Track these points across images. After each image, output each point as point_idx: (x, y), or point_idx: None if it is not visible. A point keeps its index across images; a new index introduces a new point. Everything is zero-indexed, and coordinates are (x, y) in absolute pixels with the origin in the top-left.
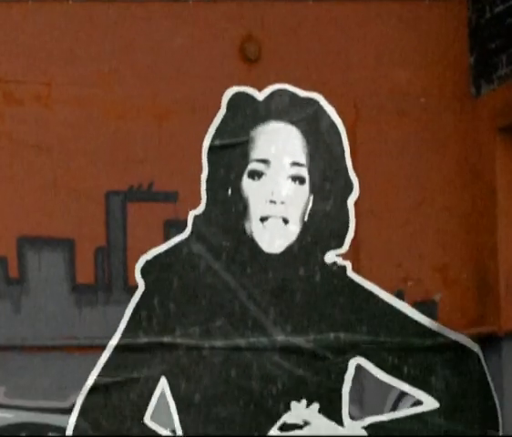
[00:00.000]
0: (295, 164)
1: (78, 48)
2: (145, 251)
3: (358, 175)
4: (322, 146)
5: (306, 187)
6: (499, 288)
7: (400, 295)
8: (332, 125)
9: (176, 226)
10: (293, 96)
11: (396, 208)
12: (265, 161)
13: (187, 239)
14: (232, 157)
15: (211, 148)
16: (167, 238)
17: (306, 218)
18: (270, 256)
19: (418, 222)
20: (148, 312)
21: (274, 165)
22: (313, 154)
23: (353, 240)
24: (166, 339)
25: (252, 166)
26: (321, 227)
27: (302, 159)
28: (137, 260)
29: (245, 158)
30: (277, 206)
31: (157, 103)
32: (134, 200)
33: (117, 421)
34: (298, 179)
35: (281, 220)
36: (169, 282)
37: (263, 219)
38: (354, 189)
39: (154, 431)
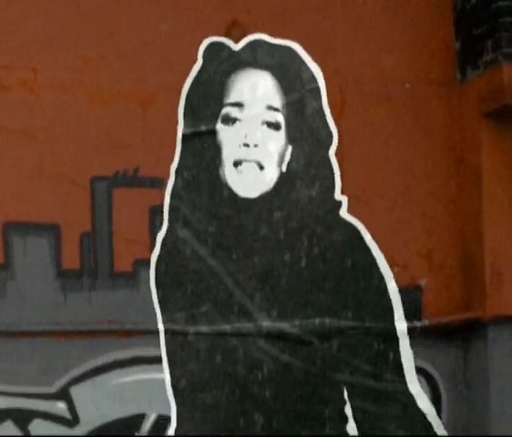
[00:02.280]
0: (270, 108)
1: (64, 34)
2: (130, 237)
3: (343, 160)
4: (298, 94)
5: (282, 133)
6: (485, 273)
7: None
8: (310, 75)
9: (161, 212)
10: (269, 44)
11: (382, 193)
12: (239, 104)
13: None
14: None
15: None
16: (152, 223)
17: (284, 169)
18: (246, 203)
19: (404, 208)
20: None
21: (248, 108)
22: (291, 103)
23: None
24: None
25: (226, 110)
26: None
27: (277, 104)
28: (122, 246)
29: (220, 107)
30: (250, 149)
31: (142, 88)
32: (119, 186)
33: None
34: (273, 125)
35: (255, 164)
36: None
37: (237, 164)
38: (334, 139)
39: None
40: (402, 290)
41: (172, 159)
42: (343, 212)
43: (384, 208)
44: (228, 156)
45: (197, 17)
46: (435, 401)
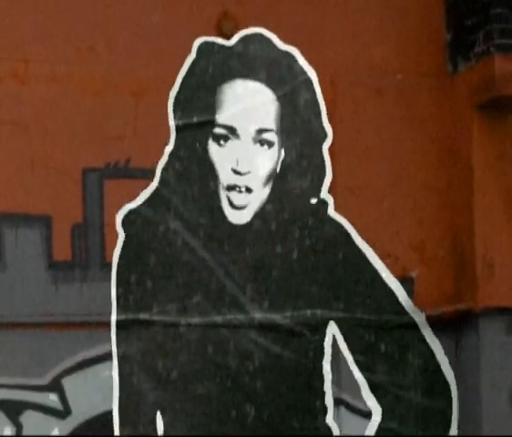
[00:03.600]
0: (262, 131)
1: (55, 25)
2: None
3: (335, 152)
4: (294, 104)
5: (275, 148)
6: (476, 264)
7: None
8: (307, 82)
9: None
10: (267, 47)
11: (373, 185)
12: (230, 128)
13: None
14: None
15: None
16: None
17: (278, 170)
18: (239, 229)
19: (395, 199)
20: (125, 289)
21: (240, 132)
22: (285, 111)
23: None
24: (142, 316)
25: (217, 130)
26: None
27: (271, 124)
28: (114, 237)
29: (211, 115)
30: (242, 177)
31: (133, 80)
32: (111, 177)
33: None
34: (266, 143)
35: (245, 191)
36: (146, 259)
37: (230, 188)
38: (329, 136)
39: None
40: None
41: (163, 149)
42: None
43: (375, 199)
44: (220, 178)
45: (188, 9)
46: None
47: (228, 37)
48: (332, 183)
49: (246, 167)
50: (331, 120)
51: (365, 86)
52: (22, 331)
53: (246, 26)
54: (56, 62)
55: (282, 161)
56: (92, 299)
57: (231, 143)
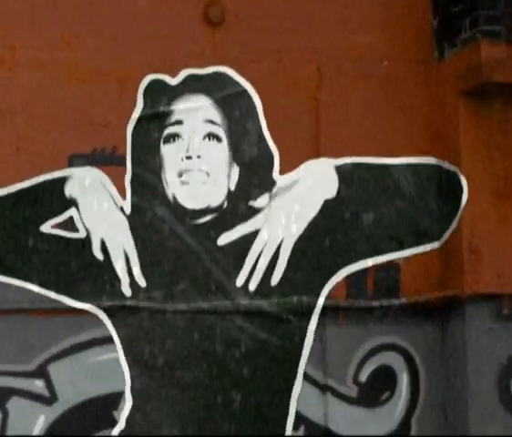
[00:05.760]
0: (209, 121)
1: (42, 12)
2: None
3: (321, 139)
4: (237, 117)
5: (224, 145)
6: (462, 251)
7: None
8: (246, 97)
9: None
10: (202, 75)
11: None
12: (179, 122)
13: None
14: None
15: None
16: None
17: (233, 188)
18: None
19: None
20: (111, 276)
21: (188, 124)
22: (231, 126)
23: None
24: (129, 302)
25: (167, 130)
26: None
27: (216, 119)
28: None
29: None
30: (193, 160)
31: (120, 66)
32: (97, 163)
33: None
34: (215, 137)
35: (200, 173)
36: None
37: (181, 174)
38: (275, 160)
39: None
40: (379, 269)
41: None
42: None
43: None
44: (171, 169)
45: None
46: (413, 378)
47: (214, 24)
48: None
49: (196, 151)
50: (317, 106)
51: (352, 73)
52: (8, 318)
53: (233, 13)
54: (43, 49)
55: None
56: None
57: (180, 139)
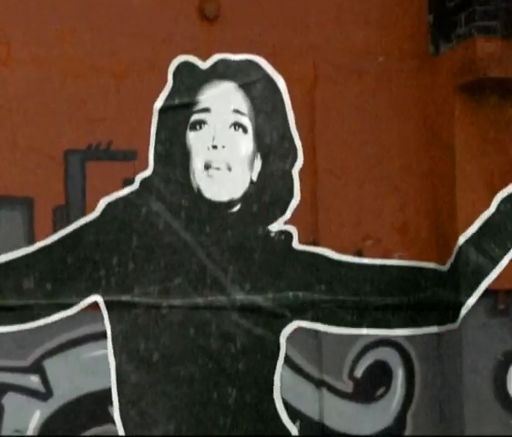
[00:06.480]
0: (237, 111)
1: (37, 8)
2: None
3: (317, 134)
4: (265, 110)
5: (250, 137)
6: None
7: (359, 254)
8: (276, 90)
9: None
10: (235, 62)
11: (355, 167)
12: (206, 109)
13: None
14: (179, 118)
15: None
16: None
17: (255, 178)
18: (216, 207)
19: (377, 181)
20: (107, 271)
21: (215, 112)
22: (257, 117)
23: (312, 200)
24: (124, 297)
25: (194, 117)
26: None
27: (244, 109)
28: None
29: (192, 98)
30: (219, 151)
31: (115, 62)
32: (93, 159)
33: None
34: (241, 127)
35: (224, 167)
36: (128, 241)
37: (207, 167)
38: (299, 157)
39: None
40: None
41: (145, 133)
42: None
43: (357, 181)
44: (197, 158)
45: None
46: (409, 374)
47: (210, 20)
48: (313, 165)
49: (222, 140)
50: (312, 103)
51: (347, 69)
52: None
53: (228, 9)
54: (38, 44)
55: (261, 146)
56: None
57: (207, 126)
